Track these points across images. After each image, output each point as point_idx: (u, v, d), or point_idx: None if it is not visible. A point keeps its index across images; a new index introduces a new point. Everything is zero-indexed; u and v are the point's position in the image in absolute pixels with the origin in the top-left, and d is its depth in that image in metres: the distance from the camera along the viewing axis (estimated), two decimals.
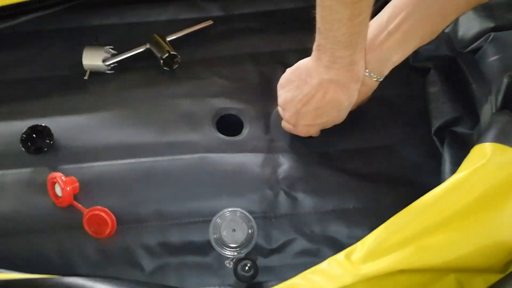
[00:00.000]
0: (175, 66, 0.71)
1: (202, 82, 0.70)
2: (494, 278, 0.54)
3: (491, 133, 0.54)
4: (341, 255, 0.53)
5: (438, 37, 0.63)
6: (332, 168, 0.63)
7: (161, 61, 0.70)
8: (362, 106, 0.67)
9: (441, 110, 0.65)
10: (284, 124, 0.64)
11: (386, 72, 0.62)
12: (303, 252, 0.59)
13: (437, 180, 0.59)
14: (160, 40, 0.72)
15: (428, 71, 0.68)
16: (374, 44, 0.60)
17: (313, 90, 0.59)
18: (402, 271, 0.52)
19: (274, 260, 0.58)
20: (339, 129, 0.65)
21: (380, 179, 0.63)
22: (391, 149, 0.66)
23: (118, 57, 0.71)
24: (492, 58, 0.59)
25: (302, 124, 0.62)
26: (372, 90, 0.64)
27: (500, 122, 0.55)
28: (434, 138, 0.65)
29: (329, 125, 0.63)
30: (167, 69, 0.71)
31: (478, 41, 0.62)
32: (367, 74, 0.60)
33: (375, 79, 0.62)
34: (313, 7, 0.54)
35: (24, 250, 0.58)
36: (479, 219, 0.52)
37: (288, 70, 0.62)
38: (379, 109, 0.68)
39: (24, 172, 0.62)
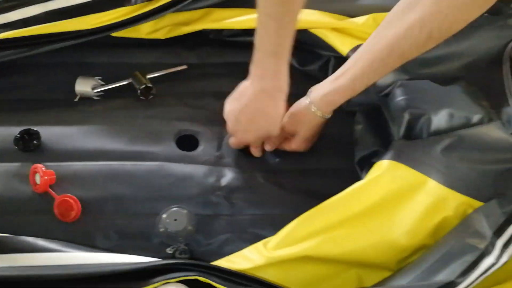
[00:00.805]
0: (150, 97, 0.86)
1: (171, 109, 0.85)
2: (388, 275, 0.64)
3: (389, 153, 0.68)
4: (260, 243, 0.65)
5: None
6: (268, 181, 0.76)
7: (139, 91, 0.86)
8: (311, 143, 0.80)
9: (363, 144, 0.78)
10: (230, 139, 0.78)
11: (329, 110, 0.75)
12: (235, 247, 0.69)
13: None
14: (140, 76, 0.88)
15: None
16: (323, 85, 0.75)
17: (247, 100, 0.74)
18: (308, 259, 0.63)
19: (209, 252, 0.69)
20: (280, 152, 0.79)
21: (308, 193, 0.75)
22: (323, 172, 0.79)
23: (105, 87, 0.87)
24: (397, 99, 0.73)
25: (240, 131, 0.76)
26: (318, 126, 0.78)
27: (397, 144, 0.69)
28: (356, 166, 0.78)
29: (262, 134, 0.76)
30: (143, 98, 0.86)
31: (390, 87, 0.77)
32: (314, 110, 0.75)
33: (320, 115, 0.75)
34: None
35: (2, 228, 0.69)
36: (373, 220, 0.64)
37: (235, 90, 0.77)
38: (317, 141, 0.82)
39: (13, 165, 0.75)
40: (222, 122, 0.83)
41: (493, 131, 0.69)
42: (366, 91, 0.80)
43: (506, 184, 0.66)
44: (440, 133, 0.70)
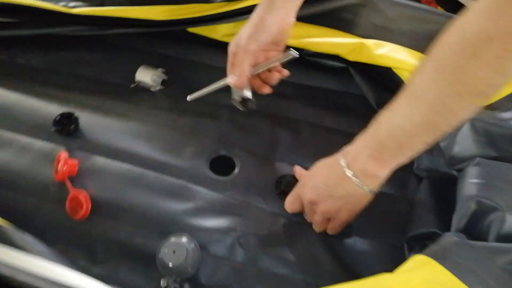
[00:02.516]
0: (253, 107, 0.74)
1: (217, 123, 0.77)
2: None
3: (433, 248, 0.54)
4: None
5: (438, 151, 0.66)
6: (295, 236, 0.66)
7: (237, 100, 0.74)
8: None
9: (420, 220, 0.65)
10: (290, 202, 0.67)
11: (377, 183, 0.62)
12: None
13: None
14: None
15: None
16: (360, 147, 0.61)
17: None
18: None
19: None
20: None
21: (338, 264, 0.64)
22: (360, 243, 0.67)
23: (199, 92, 0.75)
24: (468, 181, 0.59)
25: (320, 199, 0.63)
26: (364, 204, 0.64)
27: (446, 239, 0.54)
28: (405, 244, 0.65)
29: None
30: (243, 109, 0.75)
31: (466, 163, 0.62)
32: (357, 182, 0.60)
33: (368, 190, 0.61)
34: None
35: (10, 203, 0.68)
36: None
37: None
38: None
39: (46, 145, 0.73)
40: (268, 152, 0.75)
41: None
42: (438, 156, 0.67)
43: None
44: None
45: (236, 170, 0.72)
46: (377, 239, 0.67)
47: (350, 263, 0.64)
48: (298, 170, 0.70)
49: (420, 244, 0.64)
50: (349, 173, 0.60)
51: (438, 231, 0.63)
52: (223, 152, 0.74)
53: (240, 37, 0.70)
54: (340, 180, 0.61)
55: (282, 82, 0.84)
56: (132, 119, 0.78)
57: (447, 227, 0.63)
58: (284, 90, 0.83)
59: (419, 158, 0.71)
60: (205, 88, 0.75)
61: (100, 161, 0.71)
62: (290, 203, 0.67)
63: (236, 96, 0.74)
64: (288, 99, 0.82)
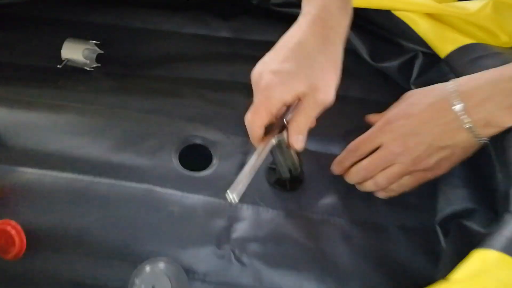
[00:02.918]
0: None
1: (181, 103, 0.60)
2: None
3: (501, 238, 0.41)
4: None
5: None
6: (306, 238, 0.51)
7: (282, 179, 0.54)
8: None
9: (451, 196, 0.53)
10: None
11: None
12: None
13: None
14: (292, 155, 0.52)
15: None
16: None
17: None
18: None
19: None
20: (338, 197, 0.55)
21: (364, 257, 0.51)
22: (385, 228, 0.53)
23: (239, 184, 0.45)
24: None
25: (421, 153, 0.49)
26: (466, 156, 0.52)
27: None
28: (438, 227, 0.53)
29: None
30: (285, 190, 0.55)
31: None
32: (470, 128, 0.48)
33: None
34: None
35: None
36: None
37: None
38: None
39: None
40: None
41: None
42: None
43: None
44: None
45: (215, 161, 0.56)
46: (403, 226, 0.54)
47: (379, 261, 0.51)
48: (372, 116, 0.56)
49: (454, 225, 0.52)
50: (467, 120, 0.47)
51: (475, 206, 0.51)
52: (194, 140, 0.57)
53: (324, 88, 0.48)
54: (451, 127, 0.48)
55: (246, 42, 0.69)
56: (67, 111, 0.59)
57: (484, 201, 0.51)
58: (254, 52, 0.66)
59: None
60: (241, 173, 0.46)
61: (30, 174, 0.53)
62: (355, 151, 0.52)
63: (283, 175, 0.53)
64: None
